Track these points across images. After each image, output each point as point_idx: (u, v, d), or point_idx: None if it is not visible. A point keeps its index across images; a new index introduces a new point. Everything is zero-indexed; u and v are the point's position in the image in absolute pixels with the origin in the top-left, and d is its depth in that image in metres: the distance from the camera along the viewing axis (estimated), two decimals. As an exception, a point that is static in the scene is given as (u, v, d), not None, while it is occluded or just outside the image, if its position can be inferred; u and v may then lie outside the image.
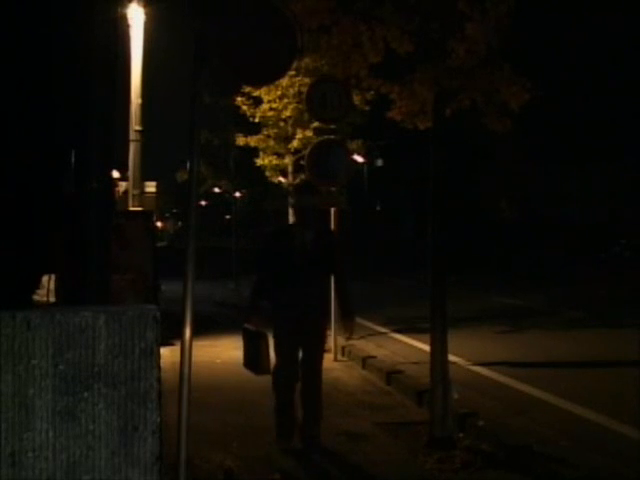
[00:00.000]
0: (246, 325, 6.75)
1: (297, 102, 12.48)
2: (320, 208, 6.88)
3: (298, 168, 13.12)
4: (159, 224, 60.60)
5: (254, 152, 14.16)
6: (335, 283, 7.26)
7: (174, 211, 74.35)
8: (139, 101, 13.10)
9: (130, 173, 13.31)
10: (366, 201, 45.08)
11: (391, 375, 9.62)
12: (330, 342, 10.59)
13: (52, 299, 2.94)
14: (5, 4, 2.58)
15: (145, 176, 14.24)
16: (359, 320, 9.76)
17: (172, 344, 9.15)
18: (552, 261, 33.42)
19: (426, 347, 7.79)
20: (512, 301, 19.45)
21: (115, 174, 12.73)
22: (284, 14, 5.21)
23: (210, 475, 5.87)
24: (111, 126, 2.85)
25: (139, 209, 12.74)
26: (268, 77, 5.89)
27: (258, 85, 10.15)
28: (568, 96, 33.47)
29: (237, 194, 34.79)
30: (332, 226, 11.19)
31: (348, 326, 6.92)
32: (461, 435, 6.80)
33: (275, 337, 6.72)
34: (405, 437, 7.07)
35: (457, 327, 11.38)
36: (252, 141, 13.71)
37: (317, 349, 6.84)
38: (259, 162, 13.75)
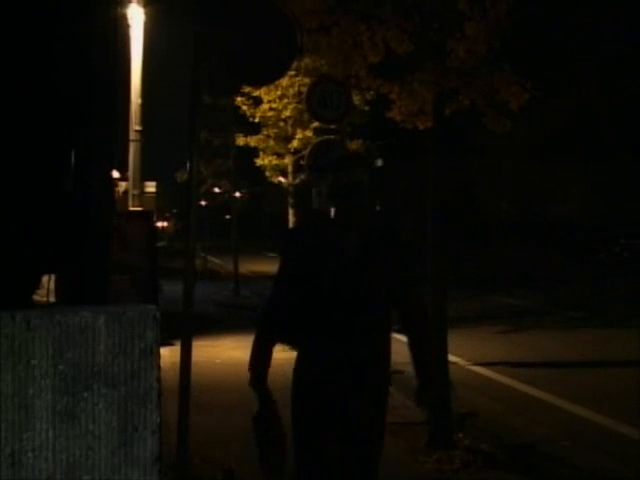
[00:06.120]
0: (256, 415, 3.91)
1: (297, 102, 12.48)
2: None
3: (298, 168, 13.11)
4: (163, 224, 60.60)
5: (254, 152, 14.15)
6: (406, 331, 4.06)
7: (174, 211, 74.33)
8: (139, 101, 13.11)
9: (130, 173, 13.31)
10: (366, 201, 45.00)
11: (391, 375, 9.61)
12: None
13: (52, 299, 2.94)
14: (5, 3, 2.59)
15: (145, 176, 14.25)
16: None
17: (172, 344, 9.16)
18: (551, 261, 33.41)
19: (426, 347, 7.77)
20: (512, 301, 19.44)
21: (115, 174, 12.72)
22: (284, 14, 5.22)
23: (210, 475, 5.87)
24: (111, 126, 2.86)
25: (139, 209, 12.75)
26: (268, 77, 5.90)
27: (258, 85, 10.14)
28: (568, 95, 33.49)
29: (237, 194, 34.75)
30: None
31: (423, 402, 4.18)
32: (461, 435, 6.80)
33: (296, 422, 3.79)
34: (405, 437, 7.06)
35: (457, 327, 11.37)
36: (252, 141, 13.70)
37: (370, 446, 3.81)
38: (259, 162, 13.75)
